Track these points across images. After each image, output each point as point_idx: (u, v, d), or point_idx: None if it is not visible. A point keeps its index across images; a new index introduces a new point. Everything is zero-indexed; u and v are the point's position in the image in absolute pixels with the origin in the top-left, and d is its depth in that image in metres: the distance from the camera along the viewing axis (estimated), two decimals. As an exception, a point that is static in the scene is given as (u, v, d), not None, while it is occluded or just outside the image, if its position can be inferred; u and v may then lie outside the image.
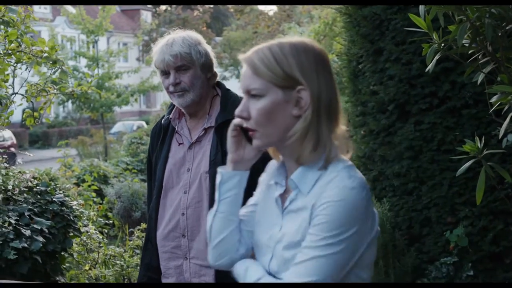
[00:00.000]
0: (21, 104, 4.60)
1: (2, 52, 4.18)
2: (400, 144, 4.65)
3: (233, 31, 36.78)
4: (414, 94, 4.57)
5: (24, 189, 4.09)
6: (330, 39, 11.45)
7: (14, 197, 3.95)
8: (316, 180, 1.64)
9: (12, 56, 4.25)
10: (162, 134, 2.85)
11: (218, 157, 2.64)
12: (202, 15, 42.19)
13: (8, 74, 4.36)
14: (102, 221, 5.60)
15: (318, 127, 1.64)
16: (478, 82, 2.95)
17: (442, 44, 2.86)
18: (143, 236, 5.25)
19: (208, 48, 2.76)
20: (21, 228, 3.68)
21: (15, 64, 4.33)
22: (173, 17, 40.69)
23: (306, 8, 24.24)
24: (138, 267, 5.05)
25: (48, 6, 37.80)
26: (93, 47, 18.97)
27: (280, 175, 1.77)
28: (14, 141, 23.00)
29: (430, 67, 2.91)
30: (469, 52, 2.91)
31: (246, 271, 1.75)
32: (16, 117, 4.59)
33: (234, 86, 3.06)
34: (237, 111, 1.70)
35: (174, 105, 2.83)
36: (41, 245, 3.68)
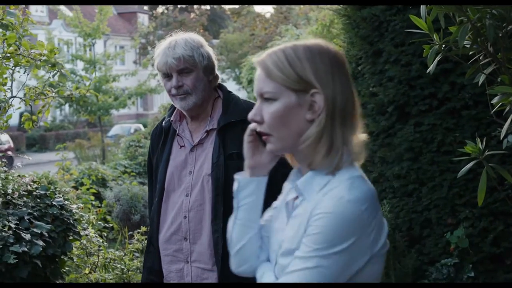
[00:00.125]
0: (19, 108, 4.59)
1: (0, 56, 4.16)
2: (400, 145, 4.65)
3: (230, 34, 36.78)
4: (413, 96, 4.57)
5: (24, 193, 4.07)
6: (328, 41, 11.44)
7: (13, 201, 3.94)
8: (322, 186, 1.59)
9: (11, 59, 4.23)
10: (163, 136, 2.84)
11: (221, 160, 2.63)
12: (199, 18, 42.17)
13: (6, 78, 4.35)
14: (102, 224, 5.58)
15: (332, 132, 1.58)
16: (479, 83, 2.94)
17: (443, 45, 2.86)
18: (143, 240, 5.24)
19: (210, 51, 2.75)
20: (21, 232, 3.66)
21: (13, 68, 4.32)
22: (170, 20, 40.65)
23: (303, 10, 24.29)
24: (139, 271, 5.06)
25: (44, 10, 37.77)
26: (90, 50, 18.95)
27: (296, 179, 1.72)
28: (12, 144, 22.99)
29: (431, 68, 2.91)
30: (470, 53, 2.91)
31: (261, 277, 1.72)
32: (13, 120, 4.57)
33: (231, 88, 3.06)
34: (250, 115, 1.67)
35: (175, 107, 2.82)
36: (41, 249, 3.66)
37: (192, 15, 45.82)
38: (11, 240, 3.58)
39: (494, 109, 2.98)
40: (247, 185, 1.78)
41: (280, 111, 1.60)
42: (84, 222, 4.47)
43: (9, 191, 4.01)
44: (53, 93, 4.57)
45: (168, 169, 2.77)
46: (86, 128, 35.74)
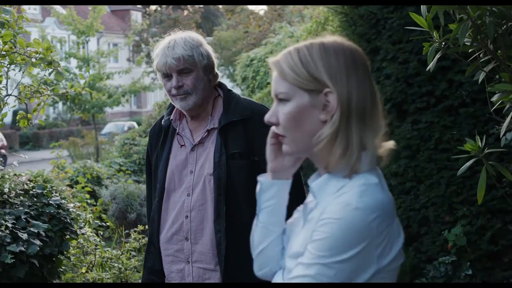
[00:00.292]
0: (14, 106, 4.56)
1: (-4, 54, 4.13)
2: (398, 143, 4.63)
3: (223, 31, 36.74)
4: (411, 93, 4.57)
5: (20, 192, 4.04)
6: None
7: (10, 200, 3.91)
8: (337, 190, 1.52)
9: (6, 57, 4.20)
10: (163, 135, 2.81)
11: (223, 159, 2.61)
12: (192, 15, 42.10)
13: (1, 76, 4.31)
14: (98, 223, 5.56)
15: (347, 133, 1.51)
16: (479, 80, 2.93)
17: (443, 43, 2.85)
18: (140, 238, 5.22)
19: (209, 49, 2.73)
20: (18, 232, 3.63)
21: (8, 66, 4.28)
22: (164, 17, 40.58)
23: (297, 8, 24.26)
24: (136, 270, 5.04)
25: (37, 7, 37.64)
26: (83, 47, 18.87)
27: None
28: (5, 142, 22.87)
29: (431, 66, 2.90)
30: (469, 50, 2.90)
31: (274, 280, 1.68)
32: (7, 118, 4.54)
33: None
34: (266, 116, 1.62)
35: (174, 106, 2.79)
36: (38, 248, 3.63)
37: (186, 12, 45.75)
38: (8, 240, 3.55)
39: (494, 107, 2.97)
40: (268, 188, 1.73)
41: (293, 111, 1.56)
42: (81, 221, 4.45)
43: (6, 190, 3.98)
44: (48, 91, 4.54)
45: (168, 169, 2.74)
46: (80, 126, 35.66)
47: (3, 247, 3.52)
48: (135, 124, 31.34)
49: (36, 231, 3.73)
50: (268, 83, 12.54)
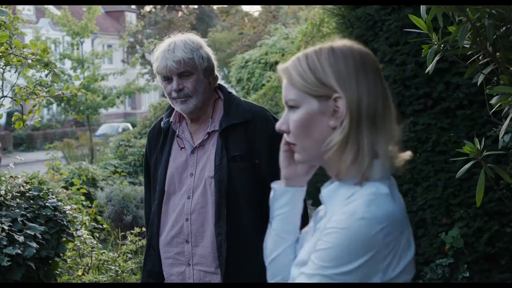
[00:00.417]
0: (10, 107, 4.54)
1: (-9, 55, 4.11)
2: (395, 145, 4.63)
3: (218, 32, 36.71)
4: (408, 95, 4.56)
5: (17, 194, 4.02)
6: (318, 40, 11.44)
7: (6, 202, 3.88)
8: (347, 198, 1.47)
9: (2, 58, 4.18)
10: (162, 137, 2.80)
11: (224, 162, 2.60)
12: (187, 17, 42.08)
13: (-3, 77, 4.30)
14: (96, 225, 5.54)
15: (358, 139, 1.47)
16: (478, 83, 2.93)
17: (442, 45, 2.85)
18: (136, 241, 5.20)
19: (209, 51, 2.72)
20: (14, 234, 3.61)
21: (4, 67, 4.26)
22: (158, 19, 40.55)
23: (292, 9, 24.25)
24: (133, 272, 5.02)
25: (32, 8, 37.54)
26: (78, 49, 18.82)
27: None
28: (-1, 144, 22.82)
29: (430, 68, 2.89)
30: (468, 53, 2.89)
31: None
32: (1, 119, 4.52)
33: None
34: (277, 124, 1.58)
35: (173, 108, 2.78)
36: (35, 251, 3.61)
37: (180, 13, 45.72)
38: (4, 242, 3.53)
39: (493, 109, 2.97)
40: (282, 195, 1.69)
41: (302, 119, 1.52)
42: (77, 223, 4.43)
43: (2, 192, 3.96)
44: (44, 93, 4.52)
45: (168, 171, 2.73)
46: (74, 127, 35.59)
47: (0, 250, 3.50)
48: (129, 125, 31.29)
49: (32, 233, 3.71)
50: (263, 85, 12.53)
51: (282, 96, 1.58)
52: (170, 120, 2.78)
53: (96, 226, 5.70)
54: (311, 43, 11.77)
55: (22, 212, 3.83)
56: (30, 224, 3.78)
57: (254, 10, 45.01)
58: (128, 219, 7.86)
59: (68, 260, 4.54)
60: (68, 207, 4.30)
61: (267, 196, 2.64)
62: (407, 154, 1.56)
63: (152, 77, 38.96)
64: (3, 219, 3.67)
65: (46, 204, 4.03)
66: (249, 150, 2.63)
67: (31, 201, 4.02)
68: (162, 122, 2.82)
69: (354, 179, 1.48)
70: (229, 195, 2.59)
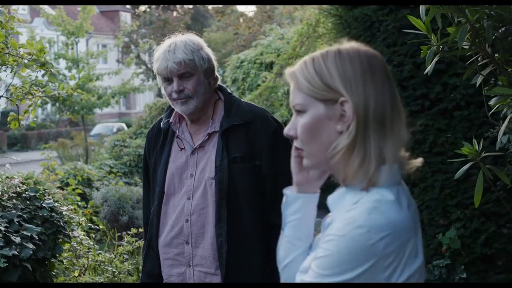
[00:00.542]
0: (5, 107, 4.52)
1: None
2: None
3: (213, 32, 36.68)
4: (405, 96, 4.55)
5: (13, 194, 4.00)
6: (314, 41, 11.44)
7: (3, 203, 3.86)
8: (352, 204, 1.43)
9: (-2, 58, 4.16)
10: (162, 138, 2.79)
11: (224, 163, 2.59)
12: (182, 17, 42.03)
13: (-8, 77, 4.28)
14: (92, 226, 5.52)
15: (365, 143, 1.43)
16: (477, 84, 2.93)
17: (441, 46, 2.84)
18: (133, 242, 5.18)
19: (210, 52, 2.71)
20: (11, 235, 3.59)
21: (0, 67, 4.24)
22: (153, 19, 40.49)
23: (287, 9, 24.25)
24: (129, 273, 5.01)
25: (26, 7, 37.43)
26: (72, 48, 18.77)
27: None
28: (-7, 144, 22.74)
29: (429, 69, 2.89)
30: (467, 54, 2.89)
31: None
32: (-5, 119, 4.52)
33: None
34: (285, 129, 1.55)
35: (173, 109, 2.77)
36: (31, 252, 3.59)
37: (175, 13, 45.66)
38: (1, 243, 3.51)
39: (492, 111, 2.97)
40: (293, 202, 1.66)
41: (309, 123, 1.48)
42: (74, 224, 4.41)
43: (-2, 193, 3.94)
44: (40, 93, 4.50)
45: (168, 172, 2.73)
46: (68, 127, 35.51)
47: (-4, 251, 3.48)
48: (124, 125, 31.26)
49: (29, 234, 3.68)
50: (258, 85, 12.52)
51: (290, 101, 1.55)
52: (170, 121, 2.77)
53: (92, 226, 5.67)
54: (306, 44, 11.78)
55: (19, 213, 3.81)
56: (27, 225, 3.76)
57: (249, 10, 44.90)
58: (124, 220, 7.84)
59: (64, 261, 4.51)
60: (65, 208, 4.28)
61: (267, 197, 2.65)
62: (419, 161, 1.53)
63: (147, 77, 38.95)
64: (-1, 220, 3.66)
65: (43, 205, 4.01)
66: (249, 151, 2.62)
67: (28, 202, 4.00)
68: (161, 123, 2.81)
69: (361, 185, 1.44)
70: (229, 196, 2.58)
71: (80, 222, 4.71)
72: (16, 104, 4.46)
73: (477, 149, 2.95)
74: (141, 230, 5.40)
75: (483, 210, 4.36)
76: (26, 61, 4.10)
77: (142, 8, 45.84)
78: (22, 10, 36.93)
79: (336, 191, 1.51)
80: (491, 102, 2.87)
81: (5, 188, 4.01)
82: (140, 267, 4.98)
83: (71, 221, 4.28)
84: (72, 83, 16.31)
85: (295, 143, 1.55)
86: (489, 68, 2.81)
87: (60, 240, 4.06)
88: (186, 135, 2.75)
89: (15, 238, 3.59)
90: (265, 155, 2.63)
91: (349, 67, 1.46)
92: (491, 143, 3.84)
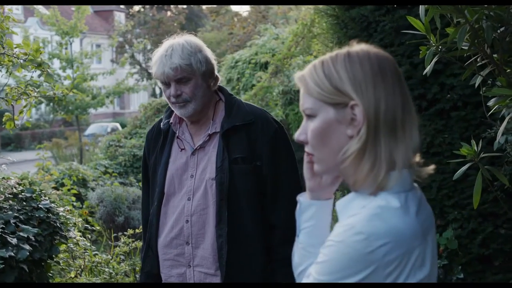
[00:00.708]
0: (1, 108, 4.50)
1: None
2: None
3: (207, 32, 36.67)
4: (403, 97, 4.55)
5: (9, 195, 3.97)
6: (309, 41, 11.45)
7: (-1, 204, 3.84)
8: (360, 208, 1.39)
9: (-6, 58, 4.14)
10: (162, 138, 2.78)
11: (225, 164, 2.59)
12: (176, 16, 41.99)
13: (-13, 78, 4.25)
14: (87, 226, 5.50)
15: (376, 147, 1.40)
16: (476, 85, 2.93)
17: (439, 47, 2.84)
18: (129, 243, 5.16)
19: (209, 53, 2.69)
20: (7, 236, 3.56)
21: (-5, 67, 4.22)
22: (148, 18, 40.44)
23: (282, 9, 24.26)
24: (126, 274, 4.99)
25: (20, 7, 37.32)
26: (66, 48, 18.73)
27: None
28: (-13, 144, 22.67)
29: (428, 69, 2.88)
30: (465, 54, 2.89)
31: None
32: (-12, 120, 4.49)
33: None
34: (296, 134, 1.51)
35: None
36: (28, 253, 3.57)
37: (169, 13, 45.62)
38: (-3, 245, 3.49)
39: (491, 111, 2.97)
40: (307, 208, 1.62)
41: (319, 128, 1.45)
42: (71, 225, 4.39)
43: (-6, 194, 3.91)
44: (35, 93, 4.48)
45: (168, 172, 2.72)
46: (62, 127, 35.43)
47: (-8, 252, 3.46)
48: (118, 125, 31.21)
49: (25, 235, 3.66)
50: (253, 85, 12.52)
51: (299, 105, 1.52)
52: (170, 121, 2.77)
53: (88, 227, 5.65)
54: (301, 44, 11.79)
55: (15, 214, 3.78)
56: (23, 226, 3.73)
57: (244, 10, 44.96)
58: (120, 220, 7.81)
59: (61, 262, 4.49)
60: (61, 208, 4.26)
61: (267, 198, 2.65)
62: (431, 168, 1.50)
63: (142, 77, 38.90)
64: (-5, 221, 3.63)
65: (39, 205, 3.98)
66: (250, 152, 2.61)
67: (24, 203, 3.97)
68: (161, 123, 2.80)
69: (370, 189, 1.41)
70: (230, 197, 2.58)
71: (76, 223, 4.69)
72: (12, 105, 4.44)
73: (476, 149, 2.95)
74: (137, 230, 5.39)
75: (480, 211, 4.36)
76: (22, 61, 4.08)
77: (136, 8, 45.82)
78: (16, 10, 36.81)
79: (345, 196, 1.48)
80: (490, 103, 2.87)
81: (1, 189, 3.99)
82: (137, 268, 4.96)
83: (68, 222, 4.26)
84: (67, 83, 16.27)
85: (306, 148, 1.52)
86: (488, 68, 2.81)
87: (57, 241, 4.04)
88: (187, 135, 2.74)
89: (11, 239, 3.57)
90: (266, 156, 2.62)
91: (359, 69, 1.43)
92: (488, 144, 3.84)
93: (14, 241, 3.57)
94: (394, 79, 1.46)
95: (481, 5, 2.55)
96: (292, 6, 20.29)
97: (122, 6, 49.19)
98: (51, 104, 17.96)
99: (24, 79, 8.81)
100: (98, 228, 6.37)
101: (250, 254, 2.61)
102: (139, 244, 5.04)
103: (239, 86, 14.72)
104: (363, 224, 1.34)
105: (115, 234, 6.26)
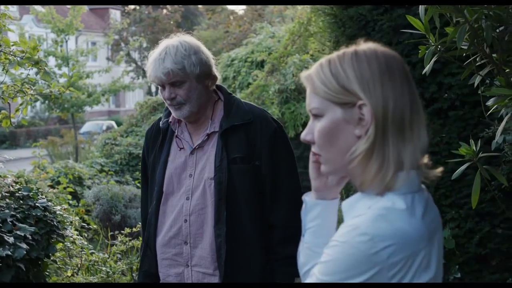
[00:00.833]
0: (-3, 106, 4.48)
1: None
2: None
3: (203, 30, 36.63)
4: (400, 96, 4.54)
5: (6, 194, 3.95)
6: (305, 39, 11.44)
7: (-4, 202, 3.83)
8: (366, 209, 1.37)
9: (-10, 56, 4.12)
10: (161, 137, 2.77)
11: (224, 164, 2.58)
12: (172, 14, 41.93)
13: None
14: (86, 225, 5.48)
15: (384, 147, 1.37)
16: (475, 84, 2.92)
17: (439, 46, 2.84)
18: (126, 241, 5.15)
19: (205, 54, 2.66)
20: (4, 235, 3.55)
21: (-9, 65, 4.20)
22: (143, 16, 40.37)
23: (278, 8, 24.24)
24: (123, 273, 4.98)
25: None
26: (61, 46, 18.67)
27: None
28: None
29: (427, 69, 2.88)
30: (464, 54, 2.88)
31: None
32: (-17, 117, 4.47)
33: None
34: (302, 134, 1.48)
35: None
36: (25, 252, 3.56)
37: (165, 11, 45.55)
38: (-6, 244, 3.48)
39: (490, 111, 2.97)
40: (312, 208, 1.60)
41: (326, 128, 1.42)
42: (67, 223, 4.37)
43: (-9, 192, 3.90)
44: (32, 91, 4.47)
45: (167, 171, 2.71)
46: (57, 124, 35.36)
47: (-11, 252, 3.45)
48: (113, 123, 31.17)
49: (22, 234, 3.65)
50: (249, 84, 12.50)
51: (306, 105, 1.50)
52: (169, 120, 2.76)
53: (84, 226, 5.63)
54: (298, 42, 11.78)
55: (12, 213, 3.77)
56: (20, 224, 3.72)
57: (240, 8, 44.96)
58: (117, 219, 7.79)
59: (57, 261, 4.48)
60: (59, 207, 4.24)
61: (266, 197, 2.64)
62: (438, 171, 1.48)
63: (137, 75, 38.84)
64: (-8, 220, 3.62)
65: (36, 204, 3.97)
66: (249, 152, 2.61)
67: (21, 202, 3.96)
68: (160, 122, 2.80)
69: (377, 190, 1.39)
70: (229, 196, 2.57)
71: (73, 222, 4.68)
72: (8, 102, 4.42)
73: (474, 149, 2.95)
74: (134, 229, 5.37)
75: (478, 210, 4.36)
76: (19, 59, 4.06)
77: (132, 5, 45.72)
78: (11, 7, 36.72)
79: (351, 196, 1.46)
80: (489, 103, 2.86)
81: (-2, 188, 3.98)
82: (134, 267, 4.95)
83: (65, 220, 4.25)
84: (62, 80, 16.22)
85: (313, 148, 1.50)
86: (487, 68, 2.81)
87: (54, 239, 4.02)
88: (185, 134, 2.73)
89: (8, 238, 3.55)
90: (265, 155, 2.61)
91: (367, 68, 1.40)
92: (486, 143, 3.85)
93: (11, 240, 3.55)
94: (402, 78, 1.44)
95: (481, 5, 2.54)
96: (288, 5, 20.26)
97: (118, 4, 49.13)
98: (47, 102, 17.88)
99: (20, 77, 8.79)
100: (94, 226, 6.34)
101: (249, 254, 2.60)
102: (136, 242, 5.03)
103: (235, 85, 14.69)
104: (368, 225, 1.32)
105: (111, 233, 6.24)
